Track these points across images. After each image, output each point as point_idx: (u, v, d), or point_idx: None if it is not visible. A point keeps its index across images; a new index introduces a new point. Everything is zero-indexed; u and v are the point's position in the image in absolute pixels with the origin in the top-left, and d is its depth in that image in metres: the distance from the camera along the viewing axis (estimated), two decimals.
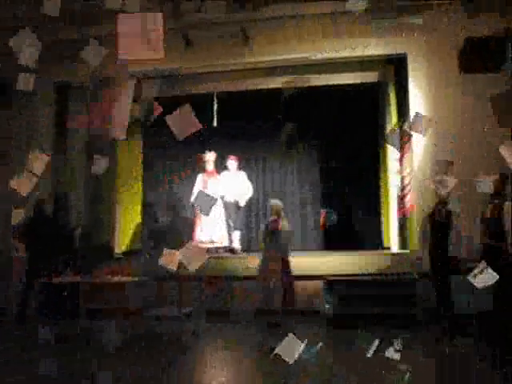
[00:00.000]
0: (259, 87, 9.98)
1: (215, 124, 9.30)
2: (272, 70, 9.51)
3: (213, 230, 10.02)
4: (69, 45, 9.26)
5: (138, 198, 11.68)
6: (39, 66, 8.52)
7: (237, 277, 8.77)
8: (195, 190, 10.11)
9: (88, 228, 9.73)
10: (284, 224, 7.92)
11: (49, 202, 9.46)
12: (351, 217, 10.99)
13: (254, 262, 8.13)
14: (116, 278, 7.32)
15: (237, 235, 10.01)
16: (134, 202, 11.65)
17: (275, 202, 8.22)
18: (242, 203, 9.90)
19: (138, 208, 11.68)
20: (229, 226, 10.05)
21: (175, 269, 4.93)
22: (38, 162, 5.32)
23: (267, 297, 7.68)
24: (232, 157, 10.31)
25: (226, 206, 10.13)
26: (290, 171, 11.48)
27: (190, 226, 10.84)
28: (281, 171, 11.54)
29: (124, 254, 10.41)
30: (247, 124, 10.70)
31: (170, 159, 11.80)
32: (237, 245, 10.01)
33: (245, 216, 10.13)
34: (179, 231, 10.88)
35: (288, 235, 7.90)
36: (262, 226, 8.17)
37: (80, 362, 6.07)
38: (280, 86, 9.72)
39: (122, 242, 11.33)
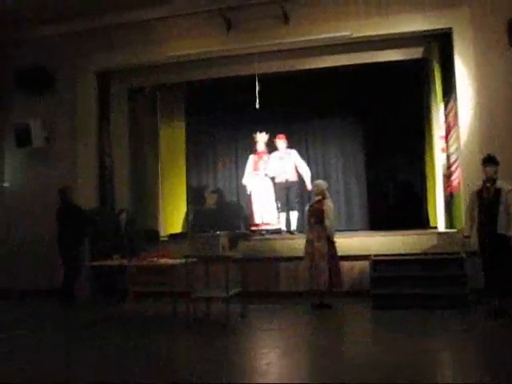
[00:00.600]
0: (301, 67, 9.98)
1: (257, 106, 9.24)
2: (313, 50, 9.47)
3: (263, 212, 10.12)
4: (107, 32, 9.73)
5: (183, 182, 11.82)
6: (79, 54, 9.42)
7: (283, 258, 8.77)
8: (246, 171, 10.31)
9: (133, 213, 9.84)
10: (329, 204, 7.87)
11: (91, 190, 9.74)
12: (397, 196, 10.91)
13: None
14: (163, 261, 7.36)
15: (292, 216, 10.01)
16: (178, 186, 11.77)
17: (319, 182, 8.18)
18: (309, 185, 9.81)
19: (183, 192, 11.78)
20: (278, 207, 10.12)
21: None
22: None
23: (313, 278, 7.68)
24: (280, 136, 10.29)
25: (277, 186, 10.13)
26: (334, 151, 11.43)
27: (238, 210, 11.16)
28: (325, 151, 11.50)
29: (170, 236, 10.45)
30: (294, 104, 10.76)
31: (215, 143, 11.91)
32: (291, 226, 10.00)
33: (296, 196, 10.11)
34: (226, 214, 10.99)
35: (332, 215, 7.80)
36: (307, 206, 8.11)
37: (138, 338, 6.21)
38: (322, 66, 9.75)
39: (168, 225, 11.46)
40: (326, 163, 11.52)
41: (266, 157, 10.36)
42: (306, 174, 10.09)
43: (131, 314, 7.40)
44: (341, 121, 11.33)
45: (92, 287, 8.73)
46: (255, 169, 10.34)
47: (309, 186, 9.78)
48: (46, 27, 10.12)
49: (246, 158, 10.83)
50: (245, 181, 10.45)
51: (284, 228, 10.09)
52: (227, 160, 11.87)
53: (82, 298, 8.64)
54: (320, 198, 7.93)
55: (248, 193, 10.31)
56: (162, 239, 10.42)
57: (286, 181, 10.11)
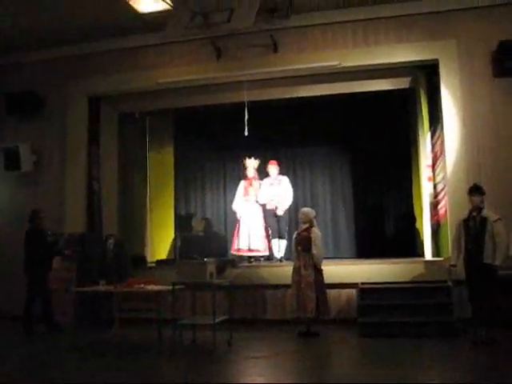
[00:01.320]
0: (290, 95, 10.04)
1: (246, 133, 9.25)
2: (302, 79, 9.50)
3: (251, 238, 10.04)
4: (99, 57, 9.72)
5: (171, 208, 11.84)
6: (70, 79, 9.33)
7: (271, 285, 8.73)
8: (237, 196, 10.29)
9: (121, 238, 9.74)
10: (316, 232, 7.81)
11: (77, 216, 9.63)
12: (384, 223, 10.94)
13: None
14: (149, 287, 7.28)
15: (281, 244, 10.01)
16: (166, 212, 11.80)
17: (306, 210, 8.12)
18: (280, 211, 9.86)
19: (171, 218, 11.80)
20: (268, 234, 10.10)
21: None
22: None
23: (300, 305, 7.60)
24: (272, 161, 10.34)
25: (266, 213, 10.12)
26: (322, 178, 11.51)
27: (225, 237, 11.18)
28: (313, 178, 11.58)
29: (157, 263, 10.41)
30: (283, 131, 10.97)
31: (204, 169, 12.01)
32: (279, 253, 10.01)
33: (287, 224, 10.12)
34: (213, 241, 11.01)
35: (319, 243, 7.76)
36: (294, 234, 8.06)
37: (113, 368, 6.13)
38: (311, 94, 9.84)
39: (155, 251, 11.43)
40: (313, 190, 11.59)
41: (256, 183, 10.38)
42: (283, 202, 10.00)
43: (116, 341, 7.26)
44: (329, 148, 11.45)
45: (77, 313, 8.55)
46: (245, 194, 10.34)
47: (279, 211, 9.83)
48: (37, 52, 10.13)
49: (234, 184, 10.91)
50: (235, 206, 10.42)
51: (275, 255, 10.07)
52: (215, 186, 11.98)
53: (64, 324, 8.48)
54: (307, 225, 7.86)
55: (238, 218, 10.29)
56: (149, 265, 10.38)
57: (276, 208, 10.09)
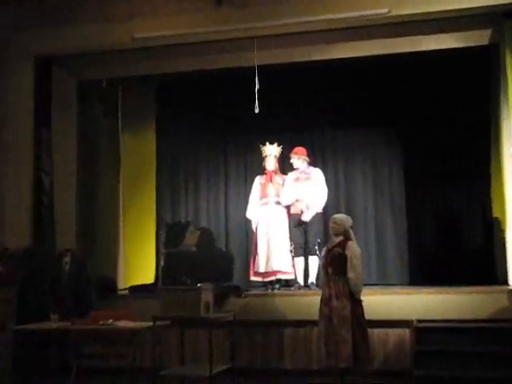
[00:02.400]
0: (317, 57, 10.08)
1: (256, 109, 9.29)
2: (335, 34, 9.51)
3: (274, 255, 10.19)
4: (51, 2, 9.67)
5: (152, 213, 11.96)
6: (8, 32, 9.26)
7: (290, 322, 8.80)
8: (251, 199, 10.54)
9: (81, 256, 9.80)
10: (353, 248, 7.77)
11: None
12: (449, 237, 10.90)
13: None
14: (121, 324, 7.27)
15: (310, 264, 10.14)
16: (146, 218, 11.92)
17: (340, 216, 8.17)
18: (307, 216, 9.97)
19: (152, 228, 11.95)
20: (292, 250, 10.21)
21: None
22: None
23: (331, 350, 7.50)
24: (298, 150, 10.38)
25: (291, 220, 10.24)
26: (362, 172, 11.50)
27: (228, 253, 11.47)
28: (348, 172, 11.65)
29: (132, 289, 10.50)
30: (306, 108, 11.10)
31: (197, 160, 12.09)
32: (306, 277, 10.16)
33: (317, 235, 10.15)
34: (211, 260, 11.02)
35: (359, 263, 7.73)
36: (323, 251, 8.06)
37: None
38: (346, 55, 9.92)
39: (130, 273, 11.60)
40: (349, 190, 11.58)
41: (277, 178, 10.52)
42: (314, 204, 10.11)
43: None
44: (372, 131, 11.43)
45: (16, 359, 8.44)
46: (263, 195, 10.44)
47: (306, 217, 9.94)
48: None
49: (240, 181, 11.25)
50: (250, 213, 10.59)
51: (300, 280, 10.14)
52: (214, 184, 12.05)
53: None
54: (341, 239, 7.82)
55: (254, 229, 10.44)
56: (121, 293, 10.50)
57: (303, 212, 10.14)
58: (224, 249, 11.76)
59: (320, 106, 11.21)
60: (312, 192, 10.15)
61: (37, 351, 8.29)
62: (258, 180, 10.64)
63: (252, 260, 10.51)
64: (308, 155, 10.42)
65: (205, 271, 10.38)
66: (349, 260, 7.63)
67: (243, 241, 11.65)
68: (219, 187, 12.14)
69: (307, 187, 10.24)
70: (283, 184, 10.41)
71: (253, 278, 10.39)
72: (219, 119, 11.74)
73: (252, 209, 10.60)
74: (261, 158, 10.84)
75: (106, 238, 11.47)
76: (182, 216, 12.10)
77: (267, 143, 10.61)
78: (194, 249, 11.23)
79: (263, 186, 10.53)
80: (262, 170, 10.78)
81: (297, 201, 10.17)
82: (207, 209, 12.13)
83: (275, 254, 10.17)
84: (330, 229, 8.00)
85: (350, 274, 7.57)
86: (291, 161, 10.32)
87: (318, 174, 10.36)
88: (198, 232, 11.49)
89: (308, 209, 9.97)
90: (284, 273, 10.19)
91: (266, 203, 10.44)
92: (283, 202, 10.30)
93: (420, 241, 11.09)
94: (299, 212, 10.10)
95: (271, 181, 10.52)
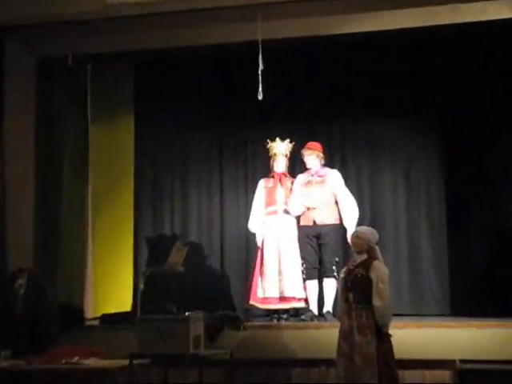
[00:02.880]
0: (335, 31, 9.89)
1: (260, 96, 9.14)
2: (355, 2, 9.38)
3: (284, 278, 10.07)
4: None
5: (128, 223, 11.88)
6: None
7: (300, 361, 8.64)
8: (254, 207, 10.51)
9: (40, 277, 9.48)
10: (380, 269, 7.52)
11: None
12: (499, 260, 10.60)
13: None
14: (90, 361, 7.24)
15: (326, 288, 10.04)
16: (120, 229, 11.85)
17: (364, 230, 7.99)
18: (350, 228, 9.69)
19: (129, 243, 11.89)
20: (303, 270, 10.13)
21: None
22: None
23: None
24: (312, 145, 10.23)
25: (301, 233, 10.13)
26: (391, 173, 11.37)
27: (222, 276, 11.55)
28: (374, 173, 11.47)
29: (103, 319, 10.37)
30: (320, 93, 11.00)
31: (186, 156, 12.01)
32: (323, 306, 10.03)
33: (335, 252, 10.07)
34: (202, 283, 11.20)
35: (386, 288, 7.48)
36: (342, 272, 7.90)
37: None
38: (370, 28, 9.76)
39: (100, 299, 11.55)
40: (375, 198, 11.37)
41: (288, 182, 10.39)
42: (351, 215, 9.99)
43: None
44: (404, 124, 11.25)
45: None
46: (271, 202, 10.32)
47: (350, 231, 9.45)
48: None
49: (238, 185, 11.50)
50: (252, 224, 10.50)
51: (313, 308, 9.97)
52: (206, 189, 11.93)
53: None
54: (365, 257, 7.57)
55: (258, 244, 10.39)
56: (89, 323, 10.50)
57: (316, 223, 9.99)
58: (219, 269, 11.70)
59: (338, 93, 11.06)
60: (327, 199, 10.04)
61: None
62: (263, 184, 10.52)
63: (254, 282, 10.37)
64: (324, 152, 10.30)
65: (195, 297, 10.59)
66: (374, 284, 7.43)
67: (242, 259, 11.56)
68: (213, 192, 11.93)
69: (321, 193, 10.08)
70: (290, 189, 10.38)
71: (253, 304, 10.32)
72: (213, 108, 11.63)
73: (255, 219, 10.50)
74: (266, 157, 10.74)
75: (72, 255, 11.39)
76: (166, 228, 11.95)
77: (277, 139, 10.46)
78: (181, 269, 11.02)
79: (270, 191, 10.38)
80: (267, 172, 10.74)
81: (308, 209, 10.05)
82: (198, 219, 11.94)
83: (288, 277, 10.06)
84: (352, 245, 7.89)
85: (376, 302, 7.37)
86: (305, 158, 10.17)
87: (335, 178, 10.18)
88: (187, 248, 11.14)
89: (322, 222, 9.93)
90: (298, 300, 10.10)
91: (273, 212, 10.30)
92: (292, 212, 10.22)
93: (464, 263, 10.85)
94: (311, 224, 10.00)
95: (280, 184, 10.38)
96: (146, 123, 11.96)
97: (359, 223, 9.76)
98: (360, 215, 10.44)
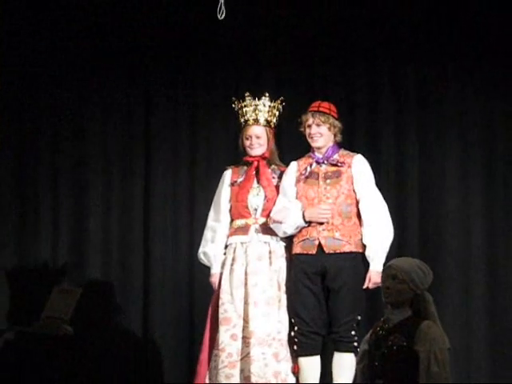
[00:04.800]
0: None
1: (222, 15, 6.95)
2: None
3: (258, 352, 7.36)
4: None
5: None
6: None
7: None
8: (210, 223, 7.98)
9: None
10: (434, 336, 5.61)
11: None
12: None
13: None
14: None
15: (340, 368, 7.45)
16: None
17: (404, 264, 5.88)
18: (376, 257, 7.41)
19: None
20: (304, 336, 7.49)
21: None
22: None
23: None
24: (320, 104, 7.60)
25: (297, 267, 7.53)
26: (461, 165, 8.83)
27: (149, 346, 9.09)
28: (432, 166, 8.81)
29: None
30: (323, 33, 8.98)
31: (77, 146, 9.40)
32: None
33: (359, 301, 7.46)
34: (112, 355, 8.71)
35: (447, 371, 5.55)
36: (366, 340, 6.04)
37: None
38: None
39: None
40: (430, 204, 8.89)
41: (271, 173, 7.91)
42: (379, 235, 7.35)
43: None
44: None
45: None
46: (238, 212, 7.63)
47: (377, 266, 7.18)
48: None
49: (175, 180, 9.02)
50: (206, 248, 7.78)
51: None
52: (120, 186, 9.24)
53: None
54: (407, 315, 5.76)
55: (213, 282, 7.65)
56: None
57: (322, 251, 7.22)
58: (137, 333, 8.90)
59: (342, 35, 8.78)
60: (343, 206, 7.36)
61: None
62: (228, 177, 7.77)
63: (202, 356, 7.52)
64: (341, 122, 7.58)
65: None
66: (423, 364, 5.59)
67: (184, 309, 8.70)
68: (132, 193, 9.00)
69: (333, 195, 7.30)
70: (279, 186, 7.64)
71: None
72: (129, 47, 9.01)
73: (211, 240, 7.75)
74: (232, 131, 8.44)
75: None
76: (44, 255, 9.06)
77: (247, 95, 7.74)
78: (67, 329, 8.02)
79: (238, 191, 7.62)
80: (234, 157, 8.13)
81: (308, 225, 7.25)
82: (104, 236, 9.12)
83: (262, 348, 7.30)
84: (383, 291, 5.88)
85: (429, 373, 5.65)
86: (308, 130, 7.40)
87: (359, 167, 7.41)
88: (80, 290, 8.14)
89: (334, 248, 7.29)
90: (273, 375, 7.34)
91: (243, 229, 7.57)
92: (277, 229, 7.42)
93: None
94: (313, 251, 7.23)
95: (258, 177, 7.66)
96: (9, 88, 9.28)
97: (398, 252, 7.44)
98: (400, 235, 8.17)
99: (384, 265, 6.20)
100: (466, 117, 8.57)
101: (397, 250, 7.26)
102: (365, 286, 7.02)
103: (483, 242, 8.36)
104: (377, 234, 7.14)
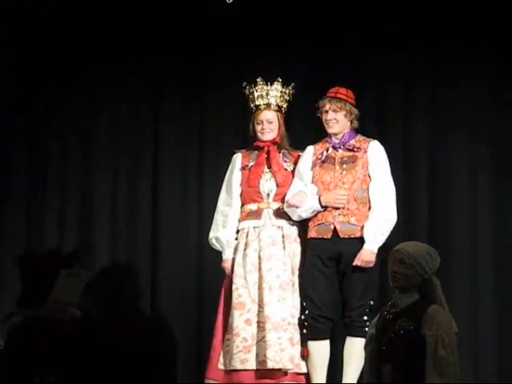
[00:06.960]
0: None
1: None
2: None
3: (273, 337, 7.37)
4: None
5: None
6: None
7: None
8: (220, 207, 8.04)
9: None
10: (439, 320, 5.48)
11: None
12: None
13: None
14: None
15: (352, 350, 7.42)
16: None
17: (414, 250, 5.75)
18: (370, 245, 7.38)
19: None
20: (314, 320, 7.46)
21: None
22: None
23: None
24: (337, 90, 7.74)
25: (312, 252, 7.49)
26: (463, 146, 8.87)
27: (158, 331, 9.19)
28: (445, 157, 8.86)
29: None
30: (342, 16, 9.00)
31: (84, 130, 9.52)
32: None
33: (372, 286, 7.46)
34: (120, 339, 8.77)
35: (453, 357, 5.31)
36: (373, 324, 5.91)
37: None
38: None
39: None
40: (441, 196, 8.89)
41: (283, 158, 7.98)
42: (380, 211, 7.34)
43: None
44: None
45: None
46: (252, 196, 7.63)
47: (370, 245, 7.24)
48: None
49: (186, 166, 9.07)
50: (217, 233, 7.81)
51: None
52: (127, 171, 9.34)
53: None
54: (414, 299, 5.65)
55: (226, 268, 7.67)
56: None
57: (337, 236, 7.26)
58: (148, 315, 8.87)
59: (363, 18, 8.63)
60: (360, 191, 7.43)
61: None
62: (239, 161, 7.84)
63: (214, 343, 7.50)
64: (358, 108, 7.66)
65: (103, 367, 8.32)
66: (431, 349, 5.40)
67: (192, 295, 8.67)
68: (140, 179, 9.08)
69: (350, 180, 7.40)
70: (289, 171, 7.73)
71: (212, 383, 7.43)
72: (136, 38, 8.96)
73: (223, 225, 7.74)
74: (241, 116, 8.44)
75: None
76: (50, 240, 9.13)
77: (258, 80, 7.73)
78: (74, 313, 8.12)
79: (250, 175, 7.63)
80: (243, 142, 8.30)
81: (324, 210, 7.29)
82: (111, 222, 9.12)
83: (276, 333, 7.31)
84: (390, 275, 5.71)
85: (433, 380, 5.37)
86: (325, 116, 7.45)
87: (376, 152, 7.52)
88: (88, 275, 8.37)
89: (349, 233, 7.35)
90: (292, 376, 7.33)
91: (255, 214, 7.57)
92: (292, 213, 7.45)
93: None
94: (328, 235, 7.28)
95: (269, 163, 7.65)
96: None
97: (409, 236, 7.16)
98: (414, 223, 8.42)
99: (390, 249, 5.86)
100: (475, 106, 8.51)
101: (404, 234, 7.30)
102: (354, 263, 7.04)
103: (491, 225, 8.39)
104: (377, 215, 7.20)
